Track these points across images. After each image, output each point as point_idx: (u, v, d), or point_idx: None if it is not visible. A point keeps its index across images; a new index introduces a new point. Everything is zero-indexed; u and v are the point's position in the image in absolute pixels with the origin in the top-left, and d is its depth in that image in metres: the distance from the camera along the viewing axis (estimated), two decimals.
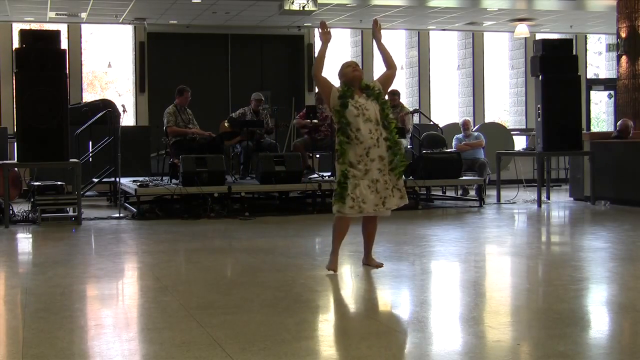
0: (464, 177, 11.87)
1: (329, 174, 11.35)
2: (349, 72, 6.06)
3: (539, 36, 16.33)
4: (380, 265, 6.13)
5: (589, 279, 5.99)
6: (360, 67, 6.19)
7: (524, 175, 13.87)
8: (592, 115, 19.19)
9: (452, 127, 14.67)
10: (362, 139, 5.86)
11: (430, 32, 16.85)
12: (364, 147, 5.86)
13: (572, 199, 12.28)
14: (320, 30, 6.13)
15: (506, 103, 18.58)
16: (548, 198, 12.18)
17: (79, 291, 5.69)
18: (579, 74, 11.86)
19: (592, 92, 17.97)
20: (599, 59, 20.81)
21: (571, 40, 12.19)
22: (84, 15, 14.04)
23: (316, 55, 6.12)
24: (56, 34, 9.82)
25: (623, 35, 13.28)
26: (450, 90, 18.04)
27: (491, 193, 12.43)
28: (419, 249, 7.39)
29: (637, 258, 6.93)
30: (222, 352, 3.85)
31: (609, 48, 17.82)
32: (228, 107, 15.02)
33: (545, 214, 10.80)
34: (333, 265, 6.00)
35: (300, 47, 16.10)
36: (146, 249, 7.69)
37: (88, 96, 17.89)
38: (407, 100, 16.86)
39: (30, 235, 8.80)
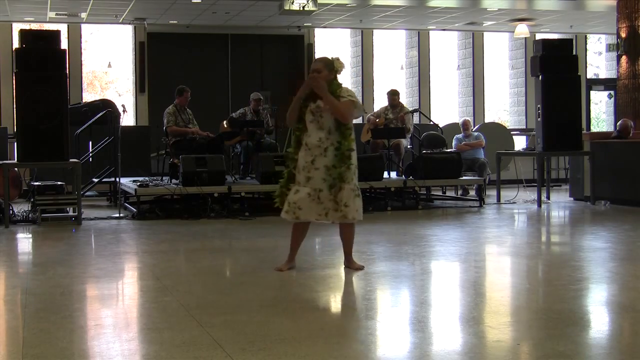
0: (464, 177, 11.87)
1: None
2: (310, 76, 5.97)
3: (539, 36, 16.33)
4: (360, 268, 6.05)
5: (589, 279, 5.99)
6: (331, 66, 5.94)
7: (524, 175, 13.86)
8: (592, 115, 19.19)
9: (452, 127, 14.67)
10: (310, 146, 5.83)
11: (430, 32, 16.85)
12: (310, 155, 5.83)
13: (572, 199, 12.28)
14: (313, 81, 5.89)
15: (506, 103, 18.58)
16: (548, 198, 12.18)
17: (79, 291, 5.69)
18: (579, 74, 11.85)
19: (592, 92, 17.96)
20: (599, 59, 20.82)
21: (571, 40, 12.18)
22: (84, 15, 14.05)
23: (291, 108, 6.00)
24: (56, 34, 9.82)
25: (623, 35, 13.28)
26: (450, 90, 18.04)
27: (491, 193, 12.43)
28: (419, 249, 7.38)
29: (637, 258, 6.93)
30: (222, 352, 3.85)
31: (609, 48, 17.82)
32: (228, 107, 15.03)
33: (545, 214, 10.80)
34: (282, 267, 6.06)
35: (300, 47, 16.10)
36: (146, 249, 7.69)
37: (88, 96, 17.90)
38: (407, 100, 16.86)
39: (30, 235, 8.80)
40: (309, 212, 5.86)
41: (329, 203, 5.83)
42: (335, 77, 5.98)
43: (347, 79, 16.63)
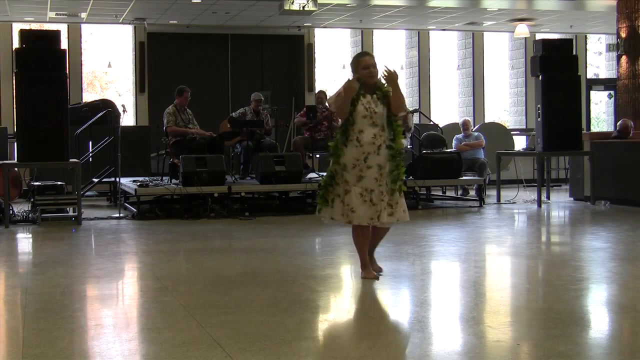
0: (464, 177, 11.88)
1: None
2: (365, 75, 5.69)
3: (539, 36, 16.32)
4: (379, 270, 5.83)
5: (589, 279, 5.99)
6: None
7: (524, 175, 13.87)
8: (592, 115, 19.19)
9: (452, 127, 14.67)
10: (363, 143, 5.52)
11: (430, 32, 16.84)
12: (362, 152, 5.51)
13: (572, 199, 12.28)
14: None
15: (506, 103, 18.58)
16: (548, 198, 12.18)
17: (79, 291, 5.69)
18: (579, 74, 11.86)
19: (592, 92, 17.96)
20: (599, 59, 20.81)
21: (571, 40, 12.18)
22: (84, 15, 14.04)
23: (342, 102, 5.63)
24: (56, 34, 9.82)
25: (623, 35, 13.28)
26: (450, 90, 18.03)
27: (491, 193, 12.43)
28: (419, 249, 7.38)
29: (637, 258, 6.93)
30: (222, 352, 3.85)
31: (609, 48, 17.82)
32: (228, 107, 15.02)
33: (545, 214, 10.80)
34: (370, 274, 5.67)
35: (300, 47, 16.10)
36: (146, 249, 7.69)
37: (88, 96, 17.89)
38: (407, 100, 16.84)
39: (30, 235, 8.80)
40: (363, 216, 5.51)
41: (381, 204, 5.53)
42: None
43: (347, 78, 16.61)
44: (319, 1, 12.89)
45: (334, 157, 5.61)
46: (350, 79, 5.72)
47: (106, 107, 12.80)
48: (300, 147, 11.55)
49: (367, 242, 5.73)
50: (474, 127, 14.59)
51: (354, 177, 5.52)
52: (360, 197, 5.51)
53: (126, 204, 10.76)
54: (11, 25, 14.68)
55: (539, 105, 11.45)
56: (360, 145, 5.53)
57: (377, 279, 5.65)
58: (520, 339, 4.22)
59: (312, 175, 11.28)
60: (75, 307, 5.11)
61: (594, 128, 19.42)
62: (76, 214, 9.57)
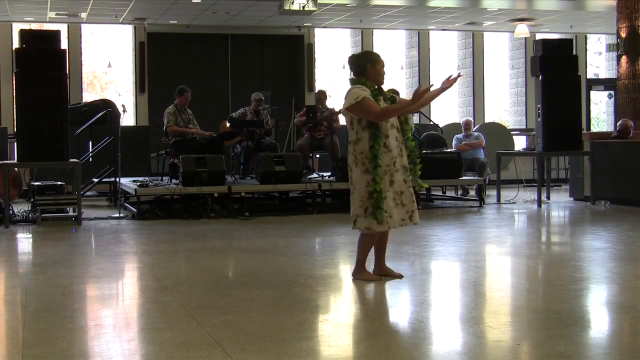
0: (464, 177, 11.87)
1: (329, 173, 11.36)
2: (382, 75, 5.70)
3: (539, 36, 16.32)
4: (399, 276, 5.75)
5: (589, 279, 5.99)
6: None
7: (524, 175, 13.86)
8: (592, 115, 19.18)
9: (452, 127, 14.67)
10: (391, 148, 5.50)
11: (430, 32, 16.84)
12: (391, 157, 5.50)
13: (572, 199, 12.28)
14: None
15: (506, 103, 18.58)
16: (548, 198, 12.18)
17: (79, 291, 5.69)
18: (579, 74, 11.86)
19: (592, 92, 17.96)
20: (599, 59, 20.81)
21: (571, 40, 12.19)
22: (84, 15, 14.05)
23: (401, 108, 5.60)
24: (56, 34, 9.82)
25: (623, 35, 13.28)
26: (450, 90, 17.99)
27: (491, 193, 12.43)
28: (419, 249, 7.38)
29: (637, 258, 6.93)
30: (222, 352, 3.85)
31: (609, 48, 17.82)
32: (228, 107, 15.02)
33: (545, 214, 10.80)
34: (371, 275, 5.66)
35: (300, 47, 16.10)
36: (146, 249, 7.69)
37: (88, 96, 17.89)
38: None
39: (30, 235, 8.80)
40: (396, 219, 5.53)
41: (411, 205, 5.58)
42: None
43: (347, 78, 16.62)
44: (319, 1, 12.89)
45: (375, 167, 5.43)
46: (422, 90, 5.66)
47: (106, 107, 12.81)
48: (304, 149, 11.55)
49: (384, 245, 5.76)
50: (474, 127, 14.59)
51: (388, 181, 5.50)
52: (393, 201, 5.52)
53: (126, 204, 10.76)
54: (11, 25, 14.67)
55: (539, 105, 11.45)
56: (389, 151, 5.52)
57: (379, 279, 5.64)
58: (520, 339, 4.22)
59: (313, 175, 11.29)
60: (75, 307, 5.11)
61: (594, 128, 19.42)
62: (76, 214, 9.57)
